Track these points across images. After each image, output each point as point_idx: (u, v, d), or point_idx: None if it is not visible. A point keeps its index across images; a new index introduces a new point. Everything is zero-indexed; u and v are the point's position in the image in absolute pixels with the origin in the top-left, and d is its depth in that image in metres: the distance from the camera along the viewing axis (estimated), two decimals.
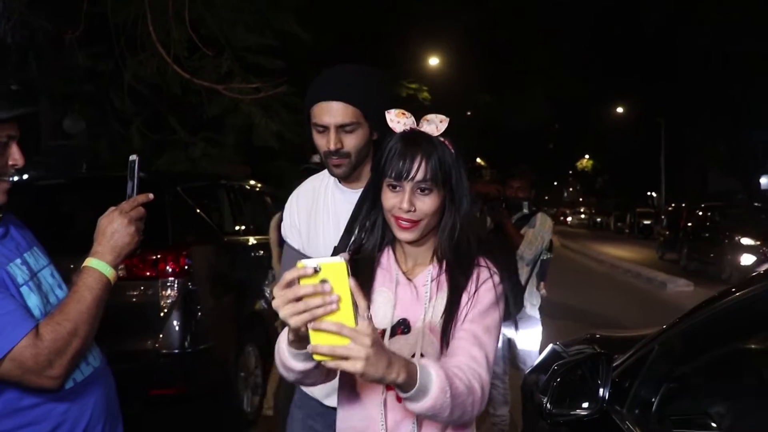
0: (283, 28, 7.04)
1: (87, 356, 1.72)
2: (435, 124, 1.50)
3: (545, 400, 1.69)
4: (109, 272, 1.67)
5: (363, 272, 1.51)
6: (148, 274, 4.47)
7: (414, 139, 1.48)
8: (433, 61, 23.20)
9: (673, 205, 26.02)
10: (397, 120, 1.53)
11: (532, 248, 4.32)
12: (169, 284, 4.43)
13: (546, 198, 57.86)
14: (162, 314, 4.36)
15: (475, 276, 1.50)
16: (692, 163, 33.28)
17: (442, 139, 1.50)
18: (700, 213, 17.79)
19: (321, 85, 1.94)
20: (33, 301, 1.63)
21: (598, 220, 50.20)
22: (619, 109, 39.14)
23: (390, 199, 1.48)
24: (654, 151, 34.13)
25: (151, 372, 4.12)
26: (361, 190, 1.96)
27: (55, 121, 8.50)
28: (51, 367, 1.53)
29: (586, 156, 54.76)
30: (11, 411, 1.57)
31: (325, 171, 2.05)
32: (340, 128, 1.89)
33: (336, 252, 1.84)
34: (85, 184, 5.08)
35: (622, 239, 32.68)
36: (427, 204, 1.47)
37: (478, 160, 39.47)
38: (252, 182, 6.67)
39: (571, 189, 69.88)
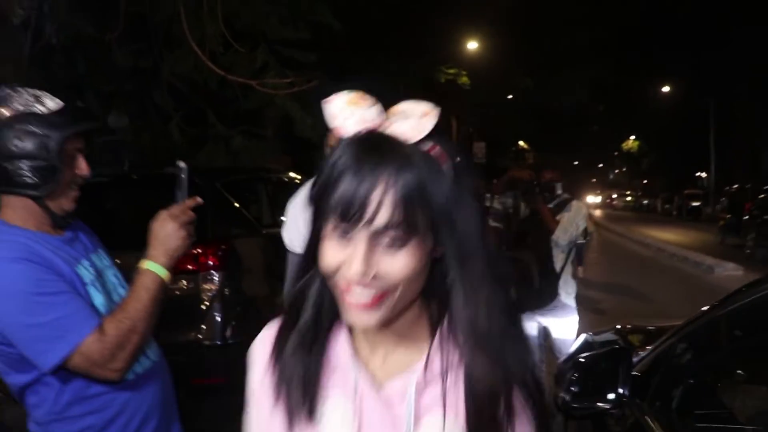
0: (318, 20, 7.08)
1: (146, 351, 1.88)
2: (414, 120, 0.88)
3: (562, 393, 1.71)
4: (164, 273, 1.81)
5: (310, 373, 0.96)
6: (189, 267, 4.61)
7: (375, 148, 0.86)
8: (472, 45, 23.02)
9: (736, 185, 24.45)
10: (346, 113, 0.90)
11: (567, 234, 4.32)
12: (209, 277, 4.56)
13: (594, 180, 57.08)
14: (203, 307, 4.49)
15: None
16: (743, 143, 32.31)
17: (428, 146, 0.87)
18: None
19: None
20: (98, 299, 1.80)
21: (645, 202, 49.29)
22: (666, 88, 38.21)
23: (332, 256, 0.87)
24: (703, 131, 33.29)
25: (193, 363, 4.24)
26: None
27: (101, 118, 8.77)
28: (114, 360, 1.68)
29: (632, 137, 53.64)
30: (79, 399, 1.73)
31: None
32: None
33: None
34: (128, 182, 5.24)
35: (669, 222, 32.03)
36: (397, 265, 0.85)
37: (521, 143, 39.07)
38: (292, 174, 6.78)
39: (617, 171, 68.58)
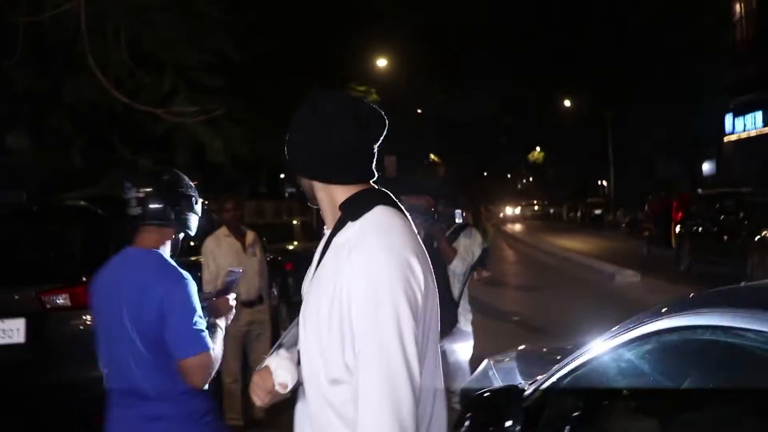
0: (220, 49, 6.98)
1: None
2: None
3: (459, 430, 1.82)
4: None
5: None
6: None
7: None
8: (381, 62, 23.38)
9: (662, 193, 23.11)
10: None
11: (464, 263, 4.48)
12: None
13: (505, 192, 58.62)
14: None
15: None
16: (639, 152, 34.14)
17: None
18: (707, 203, 14.30)
19: None
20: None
21: (551, 211, 51.20)
22: (567, 102, 39.95)
23: None
24: (603, 142, 34.99)
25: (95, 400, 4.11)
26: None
27: None
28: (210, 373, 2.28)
29: (537, 148, 55.69)
30: (198, 392, 2.29)
31: None
32: None
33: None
34: (30, 215, 5.02)
35: (574, 229, 33.38)
36: None
37: (432, 156, 39.77)
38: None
39: (524, 181, 70.93)
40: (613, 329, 2.06)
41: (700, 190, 18.82)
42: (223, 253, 5.14)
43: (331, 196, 1.57)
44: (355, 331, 1.43)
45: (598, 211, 36.16)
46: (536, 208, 55.55)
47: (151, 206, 2.33)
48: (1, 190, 5.75)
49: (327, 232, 1.61)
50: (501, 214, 46.56)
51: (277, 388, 1.56)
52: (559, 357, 2.62)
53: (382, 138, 1.59)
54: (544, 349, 3.20)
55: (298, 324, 1.62)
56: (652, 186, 29.05)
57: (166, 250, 2.38)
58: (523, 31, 34.32)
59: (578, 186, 43.38)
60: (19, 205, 4.96)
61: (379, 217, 1.51)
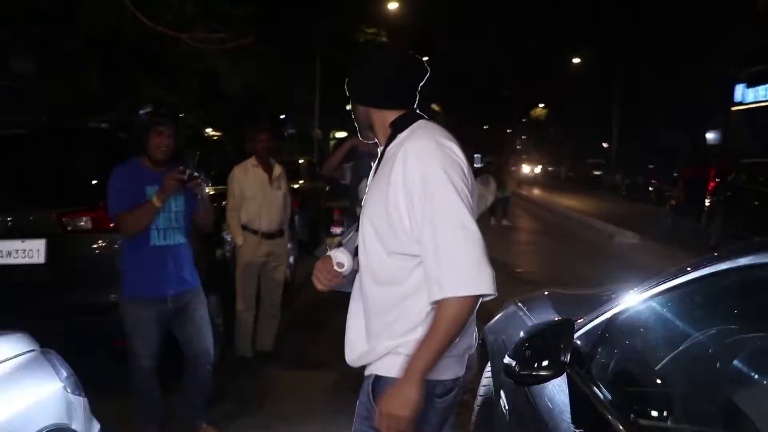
0: None
1: None
2: None
3: (514, 363, 1.86)
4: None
5: None
6: (112, 226, 4.45)
7: None
8: (392, 5, 23.00)
9: (693, 161, 20.64)
10: None
11: (478, 211, 4.48)
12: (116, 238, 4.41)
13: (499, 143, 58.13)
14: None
15: None
16: (645, 119, 33.94)
17: None
18: (748, 173, 12.28)
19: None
20: None
21: (551, 169, 51.05)
22: (576, 60, 39.41)
23: None
24: (609, 103, 34.72)
25: (114, 324, 4.12)
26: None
27: None
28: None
29: (541, 105, 55.24)
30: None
31: None
32: None
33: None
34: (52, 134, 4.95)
35: (573, 189, 33.38)
36: None
37: (434, 105, 39.43)
38: (209, 130, 6.60)
39: (524, 137, 70.61)
40: (661, 275, 2.06)
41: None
42: (249, 183, 5.17)
43: (383, 119, 1.95)
44: (416, 201, 1.74)
45: (597, 173, 36.10)
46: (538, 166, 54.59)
47: None
48: (16, 113, 5.66)
49: (379, 149, 1.98)
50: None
51: (335, 267, 1.93)
52: (589, 301, 2.66)
53: (424, 78, 2.00)
54: (570, 293, 3.23)
55: (356, 229, 1.97)
56: (652, 152, 29.01)
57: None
58: None
59: (579, 146, 43.17)
60: (41, 125, 4.90)
61: (423, 124, 1.92)
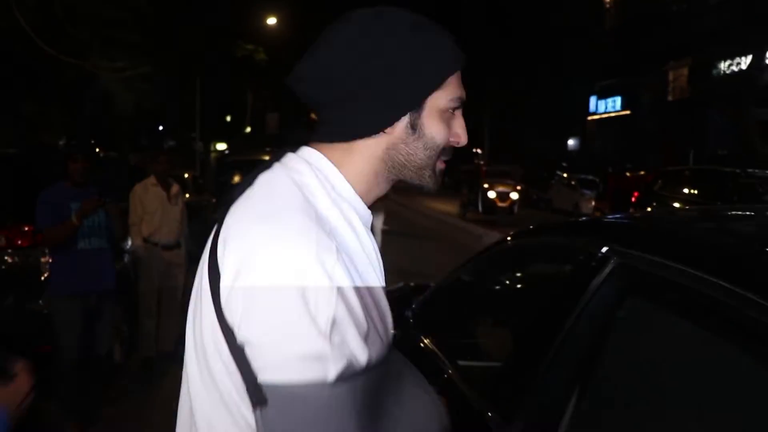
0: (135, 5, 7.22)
1: None
2: None
3: None
4: None
5: None
6: (20, 243, 5.02)
7: None
8: (271, 20, 23.46)
9: (628, 165, 20.46)
10: None
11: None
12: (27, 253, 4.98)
13: None
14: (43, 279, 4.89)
15: None
16: (510, 123, 36.32)
17: None
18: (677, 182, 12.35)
19: (454, 43, 1.20)
20: None
21: None
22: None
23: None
24: (480, 109, 36.80)
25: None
26: None
27: None
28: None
29: None
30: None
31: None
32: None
33: None
34: None
35: (448, 194, 34.92)
36: None
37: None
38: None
39: None
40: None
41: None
42: (149, 199, 5.76)
43: None
44: None
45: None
46: None
47: None
48: None
49: None
50: None
51: None
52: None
53: None
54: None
55: None
56: (523, 159, 31.30)
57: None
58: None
59: (455, 151, 45.00)
60: None
61: None
